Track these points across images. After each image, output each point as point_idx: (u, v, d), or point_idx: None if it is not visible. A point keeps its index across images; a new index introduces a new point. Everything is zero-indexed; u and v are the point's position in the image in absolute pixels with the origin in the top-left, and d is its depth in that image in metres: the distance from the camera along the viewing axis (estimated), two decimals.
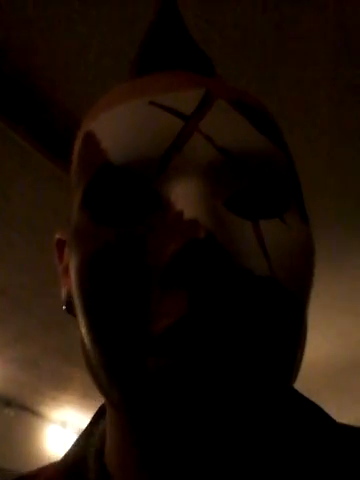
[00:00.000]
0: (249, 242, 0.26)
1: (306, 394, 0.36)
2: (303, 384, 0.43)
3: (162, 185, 0.27)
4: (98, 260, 0.26)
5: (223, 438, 0.24)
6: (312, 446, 0.31)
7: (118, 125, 0.29)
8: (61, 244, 0.38)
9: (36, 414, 3.92)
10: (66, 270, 0.35)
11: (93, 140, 0.29)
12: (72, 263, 0.29)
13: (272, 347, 0.25)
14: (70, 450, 0.37)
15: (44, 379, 3.37)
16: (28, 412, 3.87)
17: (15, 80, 1.46)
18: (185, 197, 0.25)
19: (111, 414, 0.32)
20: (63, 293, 0.35)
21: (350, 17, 1.27)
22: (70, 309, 0.33)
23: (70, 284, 0.31)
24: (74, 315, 0.32)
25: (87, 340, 0.28)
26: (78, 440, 0.38)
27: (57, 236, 0.38)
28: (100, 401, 0.37)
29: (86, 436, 0.37)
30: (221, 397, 0.23)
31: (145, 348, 0.24)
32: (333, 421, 0.34)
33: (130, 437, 0.29)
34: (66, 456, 0.37)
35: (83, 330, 0.28)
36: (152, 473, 0.28)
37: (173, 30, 0.36)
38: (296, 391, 0.35)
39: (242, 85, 1.36)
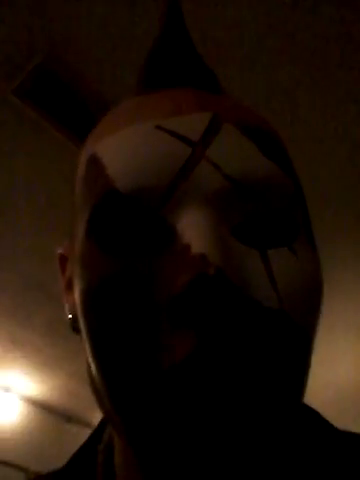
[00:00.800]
0: (257, 273, 0.26)
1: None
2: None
3: (169, 214, 0.26)
4: (104, 291, 0.26)
5: (230, 474, 0.24)
6: (313, 452, 0.31)
7: (124, 150, 0.28)
8: (63, 259, 0.38)
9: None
10: (69, 286, 0.35)
11: (98, 165, 0.29)
12: (77, 290, 0.28)
13: (280, 381, 0.25)
14: (77, 455, 0.37)
15: None
16: (89, 428, 3.87)
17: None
18: (193, 229, 0.25)
19: (115, 433, 0.32)
20: (66, 309, 0.35)
21: None
22: (75, 327, 0.32)
23: (74, 302, 0.31)
24: (78, 333, 0.31)
25: (93, 367, 0.27)
26: (84, 447, 0.37)
27: (59, 251, 0.38)
28: None
29: (93, 442, 0.37)
30: (230, 434, 0.23)
31: (153, 382, 0.24)
32: (333, 427, 0.34)
33: (134, 461, 0.29)
34: (73, 460, 0.37)
35: (89, 356, 0.28)
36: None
37: (179, 45, 0.35)
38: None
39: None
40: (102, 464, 0.34)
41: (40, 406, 3.84)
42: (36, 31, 1.37)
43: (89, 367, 0.29)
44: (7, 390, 3.67)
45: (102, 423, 0.39)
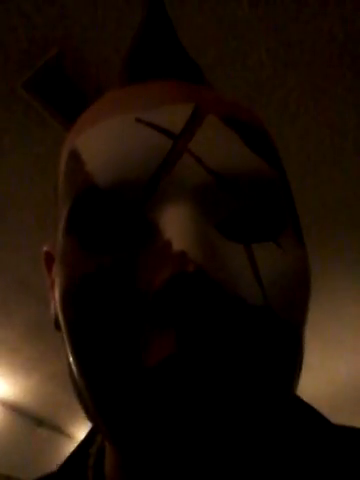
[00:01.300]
0: (242, 269, 0.25)
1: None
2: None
3: (150, 209, 0.25)
4: (84, 288, 0.25)
5: (216, 472, 0.23)
6: (309, 447, 0.30)
7: (103, 145, 0.27)
8: (49, 257, 0.36)
9: (69, 436, 3.83)
10: (54, 284, 0.33)
11: (78, 160, 0.28)
12: (57, 287, 0.27)
13: (266, 379, 0.24)
14: (68, 460, 0.36)
15: None
16: (61, 433, 3.79)
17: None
18: (174, 225, 0.24)
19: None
20: (52, 308, 0.34)
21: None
22: (59, 327, 0.31)
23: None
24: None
25: (73, 366, 0.26)
26: (77, 450, 0.37)
27: (45, 249, 0.37)
28: None
29: (85, 446, 0.36)
30: (215, 433, 0.22)
31: (135, 381, 0.23)
32: (328, 422, 0.34)
33: (122, 463, 0.29)
34: (64, 465, 0.36)
35: (69, 355, 0.27)
36: None
37: (161, 35, 0.34)
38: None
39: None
40: (93, 467, 0.33)
41: (11, 408, 3.76)
42: (51, 26, 1.37)
43: (70, 367, 0.28)
44: None
45: (87, 436, 0.38)
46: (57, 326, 0.32)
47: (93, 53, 1.43)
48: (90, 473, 0.33)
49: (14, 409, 3.76)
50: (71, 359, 0.26)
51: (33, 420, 3.80)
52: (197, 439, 0.22)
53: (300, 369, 0.27)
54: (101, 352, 0.24)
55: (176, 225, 0.24)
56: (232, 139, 0.27)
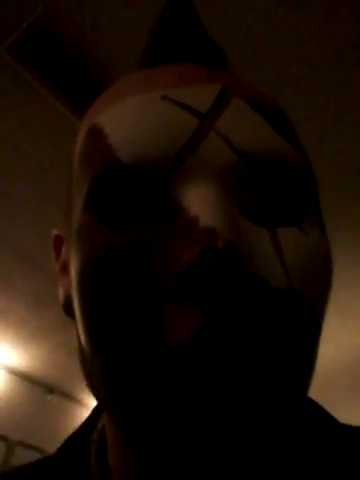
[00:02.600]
0: (266, 252, 0.24)
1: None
2: None
3: (174, 187, 0.25)
4: (103, 265, 0.24)
5: (235, 460, 0.22)
6: (315, 446, 0.30)
7: (128, 120, 0.26)
8: (58, 241, 0.36)
9: (80, 403, 3.92)
10: (64, 269, 0.33)
11: (100, 135, 0.27)
12: (73, 265, 0.26)
13: (288, 360, 0.23)
14: (67, 445, 0.35)
15: None
16: (71, 399, 3.89)
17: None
18: (201, 202, 0.23)
19: (112, 425, 0.30)
20: (61, 293, 0.33)
21: None
22: (69, 311, 0.31)
23: (68, 284, 0.30)
24: (72, 317, 0.30)
25: (86, 348, 0.26)
26: (76, 436, 0.35)
27: (54, 232, 0.36)
28: None
29: (86, 432, 0.35)
30: (240, 417, 0.21)
31: (156, 363, 0.22)
32: (336, 421, 0.34)
33: (129, 450, 0.27)
34: (63, 450, 0.35)
35: (82, 337, 0.26)
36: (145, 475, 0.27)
37: (184, 18, 0.34)
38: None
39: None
40: (95, 454, 0.32)
41: (23, 377, 3.86)
42: None
43: (81, 350, 0.27)
44: None
45: (95, 411, 0.37)
46: (67, 311, 0.31)
47: (80, 11, 1.36)
48: (93, 460, 0.32)
49: (25, 378, 3.86)
50: (84, 341, 0.26)
51: (44, 388, 3.91)
52: (220, 420, 0.21)
53: (316, 356, 0.27)
54: (119, 333, 0.23)
55: (203, 202, 0.23)
56: (258, 121, 0.27)
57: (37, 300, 2.89)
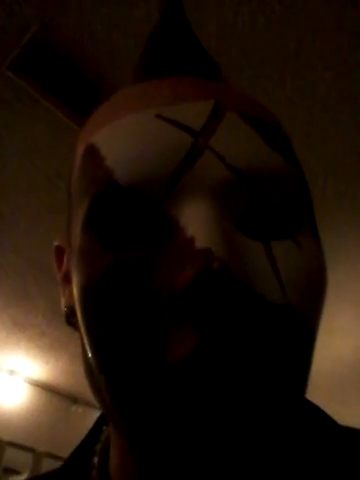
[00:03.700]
0: (261, 266, 0.25)
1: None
2: None
3: (171, 206, 0.25)
4: (103, 285, 0.25)
5: (233, 468, 0.23)
6: (315, 448, 0.30)
7: (123, 141, 0.27)
8: (60, 251, 0.37)
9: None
10: (66, 278, 0.34)
11: (96, 155, 0.27)
12: (75, 284, 0.27)
13: (283, 372, 0.24)
14: (73, 456, 0.36)
15: None
16: (95, 409, 3.91)
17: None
18: (197, 222, 0.24)
19: (115, 436, 0.31)
20: (62, 303, 0.34)
21: None
22: (70, 321, 0.32)
23: (70, 295, 0.31)
24: (74, 327, 0.31)
25: (92, 361, 0.26)
26: (81, 447, 0.36)
27: (55, 243, 0.37)
28: None
29: (90, 442, 0.36)
30: (238, 429, 0.22)
31: (156, 378, 0.23)
32: (335, 423, 0.34)
33: (131, 460, 0.28)
34: (68, 462, 0.35)
35: (87, 350, 0.26)
36: None
37: (178, 31, 0.34)
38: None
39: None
40: (97, 466, 0.33)
41: (45, 388, 3.88)
42: (28, 3, 1.32)
43: (88, 363, 0.27)
44: (12, 373, 3.70)
45: (99, 422, 0.37)
46: (69, 321, 0.32)
47: (75, 23, 1.38)
48: (94, 473, 0.32)
49: (48, 389, 3.89)
50: (89, 354, 0.26)
51: (68, 398, 3.93)
52: (219, 432, 0.22)
53: (311, 365, 0.27)
54: (121, 350, 0.24)
55: (198, 222, 0.24)
56: (252, 136, 0.27)
57: (54, 312, 2.91)
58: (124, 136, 0.27)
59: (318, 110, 1.61)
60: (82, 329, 0.27)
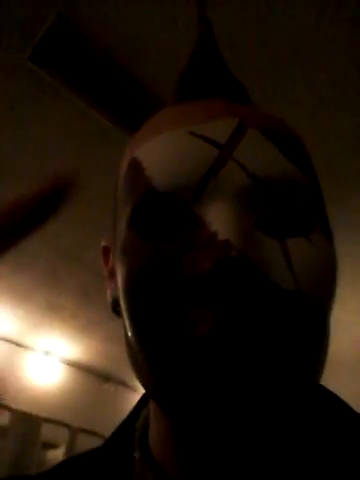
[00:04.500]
0: (276, 258, 0.28)
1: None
2: None
3: (199, 207, 0.30)
4: (142, 272, 0.29)
5: (252, 431, 0.26)
6: (331, 435, 0.32)
7: (161, 153, 0.31)
8: (106, 250, 0.42)
9: (134, 389, 4.05)
10: (111, 274, 0.39)
11: (139, 167, 0.32)
12: (120, 274, 0.32)
13: (297, 352, 0.27)
14: (116, 433, 0.40)
15: None
16: (126, 387, 4.02)
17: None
18: (219, 219, 0.28)
19: (155, 414, 0.35)
20: (109, 295, 0.39)
21: None
22: (116, 310, 0.37)
23: (115, 287, 0.36)
24: (119, 316, 0.35)
25: (133, 341, 0.31)
26: (124, 424, 0.40)
27: (102, 244, 0.43)
28: None
29: (132, 420, 0.40)
30: (254, 396, 0.26)
31: (183, 351, 0.27)
32: (351, 410, 0.36)
33: (168, 428, 0.33)
34: (112, 438, 0.39)
35: (129, 332, 0.31)
36: (187, 462, 0.31)
37: (211, 61, 0.39)
38: (318, 384, 0.35)
39: None
40: (139, 439, 0.37)
41: (79, 367, 4.00)
42: None
43: (129, 344, 0.32)
44: (47, 354, 3.83)
45: (139, 403, 0.42)
46: (115, 310, 0.37)
47: (92, 10, 1.39)
48: (136, 445, 0.37)
49: (82, 368, 4.00)
50: (131, 334, 0.31)
51: (100, 377, 4.04)
52: (233, 397, 0.26)
53: (326, 353, 0.30)
54: (156, 327, 0.29)
55: (221, 219, 0.28)
56: (270, 149, 0.31)
57: (84, 294, 2.98)
58: (162, 149, 0.32)
59: None
60: (124, 313, 0.31)
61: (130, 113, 1.60)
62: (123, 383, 3.98)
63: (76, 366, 3.99)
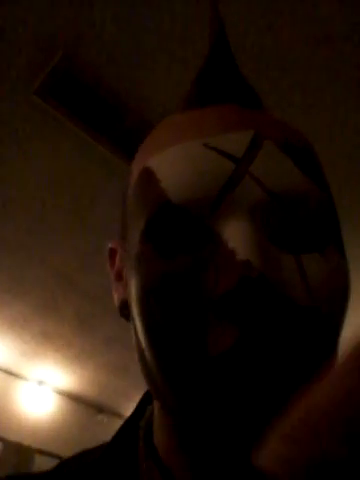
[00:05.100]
0: (292, 275, 0.29)
1: None
2: None
3: (215, 222, 0.29)
4: (158, 286, 0.29)
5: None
6: None
7: (176, 166, 0.31)
8: (113, 252, 0.41)
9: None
10: (118, 276, 0.39)
11: (153, 178, 0.32)
12: (133, 285, 0.32)
13: (311, 361, 0.28)
14: (120, 432, 0.40)
15: (133, 384, 3.41)
16: (120, 418, 3.95)
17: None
18: (237, 237, 0.28)
19: (159, 409, 0.36)
20: (116, 299, 0.38)
21: None
22: (123, 313, 0.37)
23: (123, 291, 0.36)
24: (127, 320, 0.36)
25: (147, 351, 0.31)
26: (127, 423, 0.40)
27: (109, 245, 0.42)
28: None
29: (135, 419, 0.40)
30: (262, 413, 0.26)
31: (202, 367, 0.27)
32: None
33: (173, 428, 0.33)
34: (117, 437, 0.39)
35: (142, 342, 0.31)
36: (192, 460, 0.32)
37: (225, 66, 0.39)
38: None
39: None
40: (143, 438, 0.37)
41: (72, 398, 3.95)
42: (52, 32, 1.42)
43: (141, 352, 0.32)
44: (41, 383, 3.79)
45: (142, 401, 0.42)
46: (122, 313, 0.37)
47: (96, 50, 1.47)
48: (141, 443, 0.37)
49: (75, 399, 3.96)
50: (145, 345, 0.31)
51: (93, 408, 3.99)
52: (247, 413, 0.26)
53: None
54: (172, 342, 0.29)
55: (238, 237, 0.28)
56: (287, 163, 0.31)
57: (80, 322, 2.98)
58: (177, 163, 0.31)
59: None
60: (138, 321, 0.32)
61: (132, 145, 1.66)
62: (117, 414, 3.92)
63: (70, 396, 3.94)
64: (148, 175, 0.32)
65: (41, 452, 3.35)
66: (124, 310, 0.36)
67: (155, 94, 1.56)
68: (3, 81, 1.56)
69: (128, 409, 4.24)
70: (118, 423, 0.39)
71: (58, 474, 0.40)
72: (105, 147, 1.71)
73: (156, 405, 0.37)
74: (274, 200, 0.30)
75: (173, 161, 0.32)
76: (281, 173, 0.30)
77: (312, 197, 0.31)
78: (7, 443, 3.27)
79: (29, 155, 1.82)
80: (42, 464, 3.32)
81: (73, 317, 2.95)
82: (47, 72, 1.53)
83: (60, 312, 2.93)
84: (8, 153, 1.82)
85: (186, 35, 1.36)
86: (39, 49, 1.47)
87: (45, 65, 1.51)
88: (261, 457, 0.21)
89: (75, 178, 1.91)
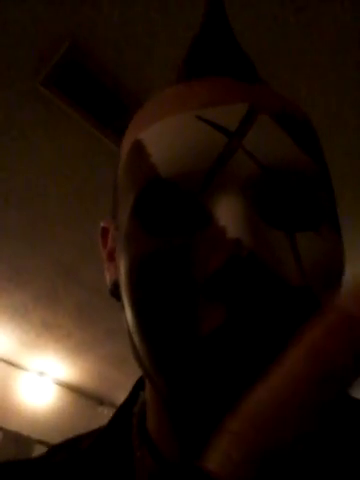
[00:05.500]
0: (285, 253, 0.28)
1: None
2: None
3: (207, 199, 0.29)
4: (147, 265, 0.29)
5: None
6: (348, 434, 0.31)
7: (167, 139, 0.30)
8: (104, 231, 0.40)
9: None
10: (110, 256, 0.38)
11: (143, 152, 0.31)
12: (122, 264, 0.31)
13: None
14: (115, 418, 0.40)
15: (134, 376, 3.41)
16: None
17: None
18: (228, 214, 0.27)
19: (151, 394, 0.35)
20: (108, 279, 0.37)
21: None
22: (114, 294, 0.36)
23: (115, 271, 0.35)
24: (118, 300, 0.35)
25: (135, 333, 0.30)
26: (122, 408, 0.40)
27: (101, 224, 0.41)
28: None
29: (129, 404, 0.40)
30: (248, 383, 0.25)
31: (190, 347, 0.27)
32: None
33: (165, 418, 0.33)
34: (111, 423, 0.39)
35: (131, 323, 0.31)
36: (185, 445, 0.31)
37: (219, 35, 0.37)
38: None
39: None
40: (137, 424, 0.37)
41: (73, 390, 3.98)
42: (60, 22, 1.42)
43: (131, 333, 0.32)
44: (41, 374, 3.81)
45: (135, 387, 0.42)
46: (113, 293, 0.36)
47: (104, 41, 1.47)
48: (135, 430, 0.37)
49: (75, 390, 3.98)
50: (133, 325, 0.30)
51: (94, 400, 4.02)
52: (235, 391, 0.25)
53: None
54: (161, 321, 0.28)
55: (230, 214, 0.27)
56: (282, 137, 0.30)
57: (81, 313, 2.99)
58: (168, 135, 0.30)
59: None
60: (127, 302, 0.31)
61: None
62: (117, 406, 3.92)
63: (70, 388, 3.96)
64: (139, 149, 0.31)
65: (41, 442, 3.38)
66: (115, 291, 0.35)
67: (162, 86, 1.56)
68: (9, 71, 1.56)
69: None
70: None
71: (51, 460, 0.39)
72: (110, 139, 1.72)
73: (148, 388, 0.36)
74: (267, 174, 0.28)
75: (164, 134, 0.30)
76: (275, 147, 0.29)
77: (308, 172, 0.29)
78: (7, 433, 3.30)
79: (33, 145, 1.83)
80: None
81: (74, 308, 2.96)
82: (53, 63, 1.53)
83: (61, 303, 2.94)
84: (12, 143, 1.83)
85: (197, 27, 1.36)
86: (46, 39, 1.47)
87: (52, 55, 1.52)
88: (208, 459, 0.20)
89: (79, 169, 1.92)
